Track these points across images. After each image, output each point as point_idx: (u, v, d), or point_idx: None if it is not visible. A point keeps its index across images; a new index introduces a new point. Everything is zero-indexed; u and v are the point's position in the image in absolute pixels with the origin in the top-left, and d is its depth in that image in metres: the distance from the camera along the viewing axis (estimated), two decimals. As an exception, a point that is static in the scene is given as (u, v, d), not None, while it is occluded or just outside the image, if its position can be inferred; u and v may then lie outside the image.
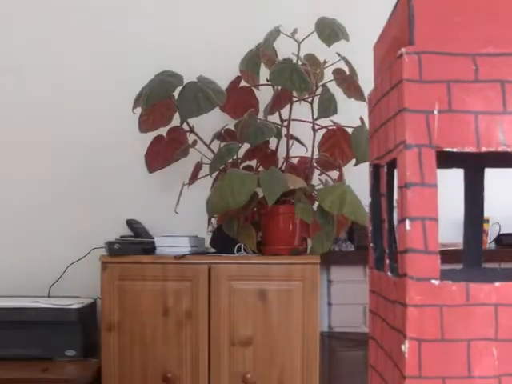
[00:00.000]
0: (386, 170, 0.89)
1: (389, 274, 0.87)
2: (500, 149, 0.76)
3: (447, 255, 0.81)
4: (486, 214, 1.08)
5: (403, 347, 0.77)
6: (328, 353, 3.12)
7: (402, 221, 0.77)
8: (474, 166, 1.04)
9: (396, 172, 0.82)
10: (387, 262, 0.88)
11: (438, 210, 0.75)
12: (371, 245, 0.98)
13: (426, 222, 0.75)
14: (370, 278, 1.02)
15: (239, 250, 2.66)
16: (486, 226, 3.16)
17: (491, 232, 3.22)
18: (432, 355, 0.76)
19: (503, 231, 3.23)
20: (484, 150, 0.76)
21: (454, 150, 0.76)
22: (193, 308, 2.56)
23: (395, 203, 0.92)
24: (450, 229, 2.24)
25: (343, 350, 3.14)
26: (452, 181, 1.46)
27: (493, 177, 1.20)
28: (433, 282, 0.76)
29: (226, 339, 2.55)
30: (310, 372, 2.54)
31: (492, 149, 0.76)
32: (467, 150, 0.76)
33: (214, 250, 2.78)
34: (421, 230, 0.75)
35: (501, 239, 3.21)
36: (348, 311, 3.18)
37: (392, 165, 0.88)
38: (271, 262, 2.57)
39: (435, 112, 0.77)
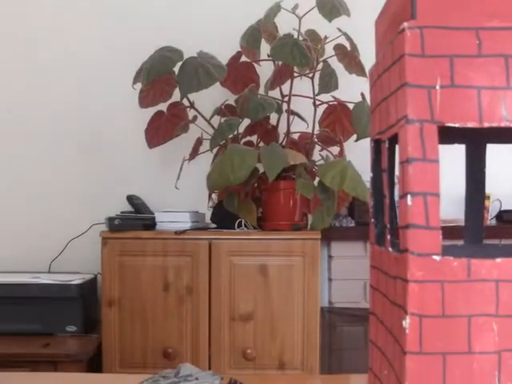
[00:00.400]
0: (387, 145, 0.89)
1: (390, 249, 0.87)
2: (503, 124, 0.75)
3: (448, 231, 0.81)
4: (487, 190, 1.08)
5: (404, 323, 0.76)
6: (328, 328, 3.13)
7: (403, 196, 0.77)
8: (476, 141, 1.04)
9: (397, 147, 0.81)
10: (388, 237, 0.88)
11: (439, 185, 0.75)
12: (372, 220, 0.98)
13: (427, 198, 0.75)
14: (371, 253, 1.02)
15: (240, 225, 2.66)
16: (486, 203, 3.17)
17: (492, 209, 3.22)
18: (433, 331, 0.76)
19: (504, 208, 3.24)
20: (486, 125, 0.75)
21: (456, 125, 0.76)
22: (193, 283, 2.57)
23: (396, 180, 0.92)
24: (451, 205, 2.24)
25: (343, 325, 3.16)
26: (453, 156, 1.46)
27: (494, 153, 1.20)
28: (434, 257, 0.75)
29: (226, 314, 2.56)
30: (311, 347, 2.55)
31: (494, 124, 0.75)
32: (469, 125, 0.76)
33: (214, 226, 2.79)
34: (422, 206, 0.75)
35: (501, 216, 3.21)
36: (348, 287, 3.19)
37: (393, 140, 0.88)
38: (272, 237, 2.57)
39: (437, 87, 0.76)
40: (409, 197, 0.75)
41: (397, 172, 0.83)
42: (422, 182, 0.75)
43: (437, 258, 0.75)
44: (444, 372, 0.77)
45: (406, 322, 0.76)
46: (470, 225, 1.08)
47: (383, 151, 0.90)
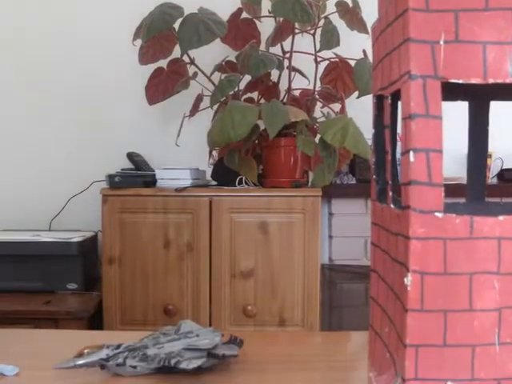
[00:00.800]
0: (389, 101, 0.88)
1: (391, 206, 0.86)
2: (508, 80, 0.74)
3: (450, 189, 0.80)
4: (489, 149, 1.07)
5: (406, 280, 0.76)
6: (328, 285, 3.14)
7: (405, 152, 0.76)
8: (480, 98, 1.02)
9: (400, 103, 0.80)
10: (390, 194, 0.87)
11: (442, 141, 0.74)
12: (374, 177, 0.97)
13: (430, 154, 0.74)
14: (372, 210, 1.02)
15: (240, 182, 2.65)
16: (488, 161, 3.16)
17: (493, 167, 3.21)
18: (434, 288, 0.76)
19: (506, 166, 3.23)
20: (491, 81, 0.74)
21: (460, 81, 0.75)
22: (194, 240, 2.57)
23: (397, 138, 0.91)
24: (452, 163, 2.23)
25: (343, 282, 3.17)
26: (454, 114, 1.45)
27: (496, 111, 1.19)
28: (436, 214, 0.75)
29: (227, 271, 2.57)
30: (311, 304, 2.56)
31: (499, 80, 0.74)
32: (473, 81, 0.74)
33: (215, 183, 2.78)
34: (425, 162, 0.74)
35: (503, 174, 3.21)
36: (349, 244, 3.19)
37: (396, 96, 0.87)
38: (272, 194, 2.56)
39: (441, 42, 0.75)
40: (411, 153, 0.74)
41: (399, 129, 0.82)
42: (424, 139, 0.74)
43: (439, 215, 0.75)
44: (445, 329, 0.77)
45: (408, 280, 0.76)
46: (472, 183, 1.07)
47: (385, 107, 0.89)
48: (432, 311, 0.76)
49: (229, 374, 1.01)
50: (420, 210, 0.75)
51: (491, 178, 3.23)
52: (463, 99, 1.02)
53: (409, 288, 0.76)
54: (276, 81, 2.81)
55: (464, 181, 1.08)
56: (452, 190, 1.07)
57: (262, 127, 2.55)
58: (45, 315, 2.49)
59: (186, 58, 2.70)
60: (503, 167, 3.23)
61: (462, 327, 0.77)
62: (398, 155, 0.80)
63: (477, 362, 0.78)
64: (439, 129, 0.74)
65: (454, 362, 0.77)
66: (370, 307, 1.03)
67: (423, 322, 0.76)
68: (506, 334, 0.77)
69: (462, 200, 1.07)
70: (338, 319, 3.15)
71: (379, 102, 0.95)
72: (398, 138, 0.90)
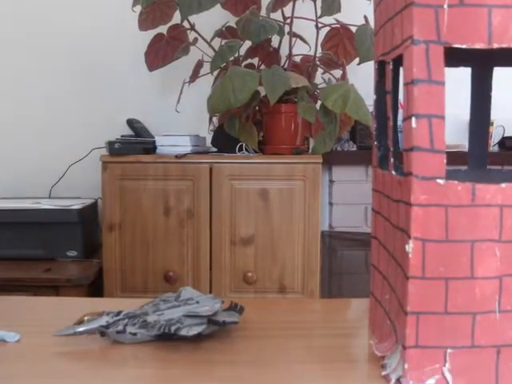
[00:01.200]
0: (391, 66, 0.87)
1: (393, 172, 0.85)
2: (512, 45, 0.73)
3: (449, 157, 0.80)
4: (491, 116, 1.06)
5: (407, 247, 0.76)
6: (328, 252, 3.14)
7: (407, 118, 0.75)
8: (483, 64, 1.01)
9: (402, 69, 0.79)
10: (391, 160, 0.87)
11: (444, 107, 0.73)
12: (375, 143, 0.96)
13: (432, 120, 0.73)
14: (373, 176, 1.01)
15: (241, 149, 2.64)
16: (490, 129, 3.14)
17: (495, 135, 3.20)
18: (436, 256, 0.76)
19: (507, 134, 3.21)
20: (496, 46, 0.73)
21: (464, 46, 0.74)
22: (194, 207, 2.57)
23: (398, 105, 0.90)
24: (452, 130, 2.22)
25: (344, 249, 3.17)
26: (455, 80, 1.44)
27: (499, 78, 1.18)
28: (438, 181, 0.74)
29: (227, 238, 2.57)
30: (311, 271, 2.56)
31: (505, 45, 0.73)
32: (477, 46, 0.73)
33: (215, 150, 2.77)
34: (427, 128, 0.73)
35: (504, 142, 3.19)
36: (349, 211, 3.19)
37: (398, 61, 0.86)
38: (273, 161, 2.55)
39: (445, 6, 0.74)
40: (413, 119, 0.73)
41: (401, 96, 0.81)
42: (426, 104, 0.73)
43: (441, 181, 0.74)
44: (446, 297, 0.77)
45: (409, 247, 0.75)
46: (474, 150, 1.06)
47: (387, 73, 0.88)
48: (433, 279, 0.76)
49: (229, 340, 1.01)
50: (422, 177, 0.74)
51: (492, 145, 3.21)
52: (466, 65, 1.01)
53: (410, 255, 0.75)
54: (277, 47, 2.79)
55: (464, 148, 1.07)
56: (452, 157, 1.06)
57: (263, 93, 2.54)
58: (45, 283, 2.49)
59: (186, 24, 2.68)
60: (505, 135, 3.22)
61: (463, 295, 0.77)
62: (400, 122, 0.80)
63: (477, 329, 0.78)
64: (442, 95, 0.73)
65: (455, 329, 0.77)
66: (371, 274, 1.03)
67: (424, 289, 0.76)
68: (507, 301, 0.77)
69: (463, 168, 1.07)
70: (338, 286, 3.15)
71: (381, 67, 0.94)
72: (399, 106, 0.89)
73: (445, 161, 0.74)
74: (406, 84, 0.76)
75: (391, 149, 0.87)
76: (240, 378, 0.85)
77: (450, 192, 0.74)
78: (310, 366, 0.90)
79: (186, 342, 0.98)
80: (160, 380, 0.84)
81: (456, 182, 0.74)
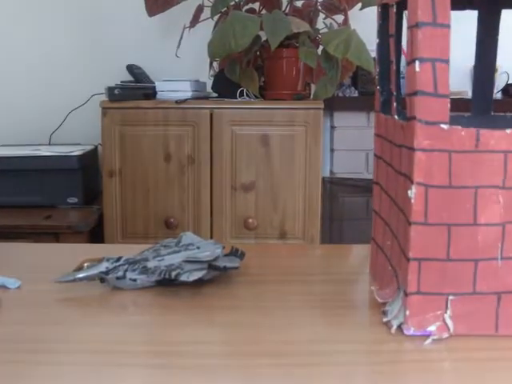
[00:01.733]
0: (395, 9, 0.85)
1: (396, 117, 0.84)
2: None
3: (453, 104, 0.78)
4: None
5: (409, 192, 0.75)
6: (329, 198, 3.14)
7: (411, 62, 0.74)
8: (490, 7, 0.99)
9: (406, 12, 0.78)
10: (394, 104, 0.85)
11: (449, 51, 0.72)
12: (378, 87, 0.95)
13: (436, 64, 0.72)
14: (376, 121, 1.00)
15: (241, 94, 2.63)
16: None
17: (499, 82, 3.16)
18: (439, 202, 0.75)
19: (511, 81, 3.18)
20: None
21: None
22: (195, 153, 2.56)
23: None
24: (454, 76, 2.19)
25: (345, 195, 3.17)
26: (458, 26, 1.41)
27: (503, 24, 1.15)
28: (442, 126, 0.73)
29: (228, 184, 2.56)
30: (312, 217, 2.57)
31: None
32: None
33: (215, 95, 2.75)
34: (431, 72, 0.72)
35: (508, 89, 3.16)
36: (350, 157, 3.18)
37: (401, 4, 0.84)
38: (274, 106, 2.54)
39: None
40: (417, 63, 0.72)
41: (404, 38, 0.80)
42: (431, 48, 0.72)
43: (444, 126, 0.73)
44: (448, 243, 0.76)
45: (412, 192, 0.74)
46: (478, 96, 1.04)
47: (391, 16, 0.86)
48: (436, 224, 0.75)
49: (230, 286, 1.01)
50: (425, 121, 0.73)
51: (496, 92, 3.18)
52: (472, 8, 0.99)
53: (413, 200, 0.74)
54: (278, -9, 2.76)
55: (466, 95, 1.06)
56: (455, 104, 1.04)
57: (264, 38, 2.51)
58: (45, 229, 2.49)
59: (185, -33, 2.64)
60: (509, 82, 3.19)
61: (466, 241, 0.76)
62: (402, 68, 0.78)
63: (479, 276, 0.77)
64: (447, 38, 0.71)
65: (457, 276, 0.77)
66: (373, 220, 1.02)
67: (427, 235, 0.76)
68: (509, 248, 0.77)
69: (466, 114, 1.05)
70: (339, 232, 3.16)
71: (384, 11, 0.92)
72: (402, 52, 0.87)
73: (449, 106, 0.73)
74: (409, 27, 0.74)
75: (394, 93, 0.86)
76: (240, 324, 0.85)
77: (454, 137, 0.73)
78: (310, 312, 0.89)
79: (186, 288, 0.98)
80: (159, 326, 0.84)
81: (459, 127, 0.73)
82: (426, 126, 0.73)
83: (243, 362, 0.74)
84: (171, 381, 0.70)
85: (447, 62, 0.72)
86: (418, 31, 0.71)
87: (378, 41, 0.94)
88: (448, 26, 0.71)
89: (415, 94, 0.73)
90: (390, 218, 0.88)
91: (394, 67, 0.85)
